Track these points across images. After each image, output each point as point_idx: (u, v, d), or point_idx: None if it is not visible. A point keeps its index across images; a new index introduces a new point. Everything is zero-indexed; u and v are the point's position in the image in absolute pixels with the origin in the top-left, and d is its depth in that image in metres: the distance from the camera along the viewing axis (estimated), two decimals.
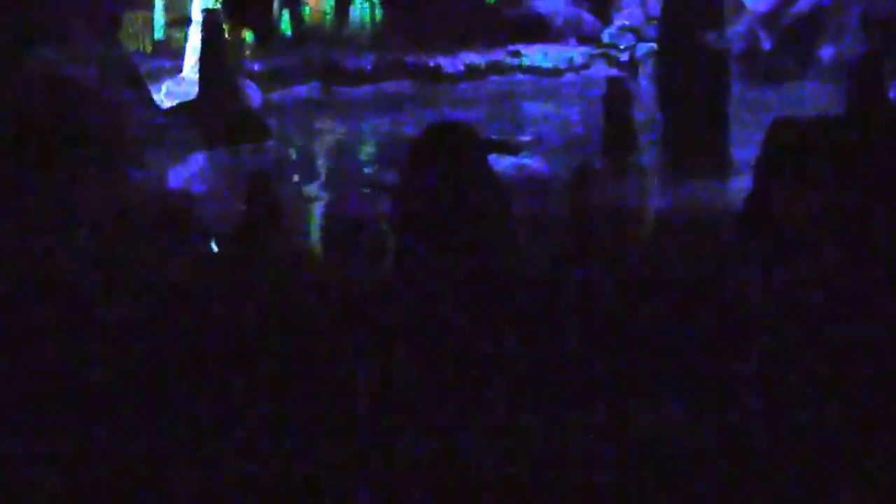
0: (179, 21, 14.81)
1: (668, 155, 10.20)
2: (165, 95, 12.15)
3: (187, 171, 10.33)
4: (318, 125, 13.24)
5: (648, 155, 10.20)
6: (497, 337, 3.48)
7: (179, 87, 12.39)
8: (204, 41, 11.34)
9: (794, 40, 13.30)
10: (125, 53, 11.20)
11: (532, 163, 10.04)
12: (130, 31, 14.09)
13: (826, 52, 13.21)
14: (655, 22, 13.54)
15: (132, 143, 9.58)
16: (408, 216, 5.23)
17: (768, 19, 13.61)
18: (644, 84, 13.93)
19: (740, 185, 7.32)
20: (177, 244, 7.09)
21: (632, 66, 15.35)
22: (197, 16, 12.32)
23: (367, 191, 9.87)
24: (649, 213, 8.94)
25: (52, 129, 8.07)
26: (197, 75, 11.60)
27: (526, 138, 11.50)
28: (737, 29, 13.50)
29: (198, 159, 10.72)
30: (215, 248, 7.30)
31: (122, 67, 10.52)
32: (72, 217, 6.70)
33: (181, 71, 12.97)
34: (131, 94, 10.27)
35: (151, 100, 10.98)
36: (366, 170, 11.11)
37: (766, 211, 5.60)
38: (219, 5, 12.03)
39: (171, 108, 11.32)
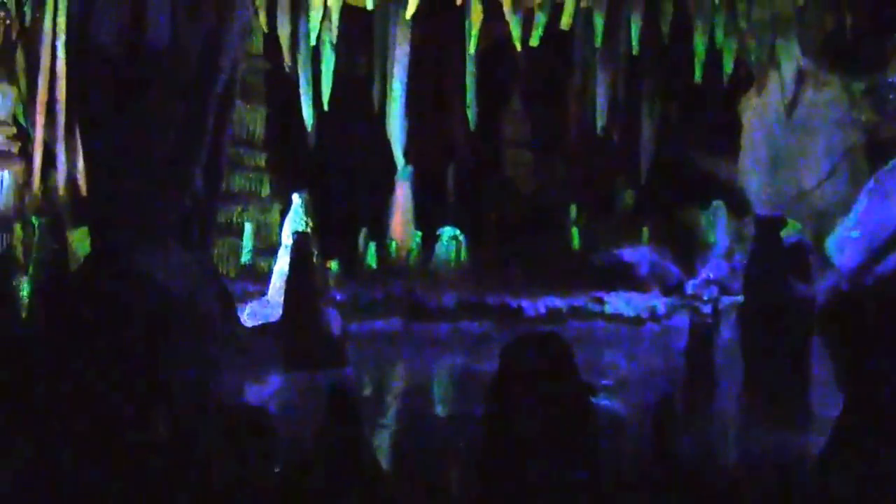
0: (266, 250, 15.10)
1: (749, 405, 10.00)
2: (249, 316, 12.24)
3: (264, 391, 10.28)
4: (396, 358, 13.21)
5: (728, 404, 10.03)
6: None
7: (263, 308, 12.49)
8: (292, 263, 11.45)
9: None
10: (214, 269, 11.33)
11: (610, 404, 9.89)
12: (217, 254, 14.37)
13: None
14: (740, 276, 13.51)
15: (214, 356, 9.59)
16: (495, 427, 5.15)
17: (854, 277, 13.54)
18: (726, 336, 13.78)
19: (820, 440, 7.18)
20: (250, 459, 6.96)
21: (715, 317, 15.24)
22: (287, 239, 12.48)
23: (442, 420, 9.87)
24: (728, 460, 8.71)
25: (139, 333, 8.08)
26: (282, 298, 11.67)
27: (605, 382, 11.37)
28: (822, 285, 13.41)
29: (275, 380, 10.70)
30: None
31: (211, 282, 10.65)
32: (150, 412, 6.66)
33: (265, 294, 13.09)
34: (218, 308, 10.36)
35: (237, 316, 11.06)
36: (441, 403, 11.03)
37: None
38: (309, 229, 12.17)
39: (254, 328, 11.38)
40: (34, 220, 10.50)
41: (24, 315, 9.87)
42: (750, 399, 10.14)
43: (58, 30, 12.86)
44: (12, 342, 7.93)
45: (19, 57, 13.56)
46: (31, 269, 10.47)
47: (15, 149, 13.22)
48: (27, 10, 13.23)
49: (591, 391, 9.23)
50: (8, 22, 13.22)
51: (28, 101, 13.45)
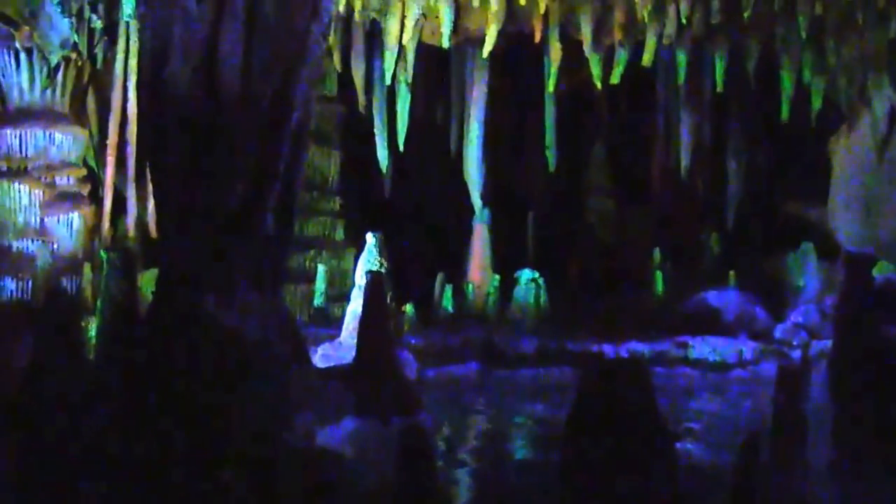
0: (339, 296, 14.90)
1: (840, 453, 9.56)
2: (321, 358, 12.01)
3: (337, 434, 9.99)
4: (473, 405, 12.91)
5: (818, 451, 9.59)
6: None
7: (336, 351, 12.27)
8: (365, 303, 11.17)
9: None
10: (287, 311, 11.09)
11: (694, 448, 9.57)
12: (290, 300, 14.21)
13: None
14: (830, 320, 13.11)
15: (285, 398, 9.34)
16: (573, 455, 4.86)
17: None
18: (817, 382, 13.30)
19: None
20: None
21: (805, 363, 14.75)
22: (360, 279, 12.26)
23: (521, 468, 9.62)
24: None
25: (207, 372, 7.88)
26: (354, 340, 11.41)
27: (689, 426, 11.03)
28: None
29: (348, 423, 10.40)
30: None
31: (283, 324, 10.40)
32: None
33: (338, 337, 12.87)
34: (289, 349, 10.10)
35: (309, 358, 10.80)
36: (520, 450, 10.75)
37: None
38: (383, 270, 11.93)
39: (326, 370, 11.12)
40: (103, 253, 10.35)
41: (91, 356, 9.70)
42: (841, 447, 9.73)
43: (129, 72, 12.83)
44: (81, 384, 7.80)
45: (90, 99, 13.57)
46: (99, 304, 10.33)
47: (85, 191, 13.19)
48: (99, 51, 13.23)
49: (669, 432, 8.86)
50: (79, 64, 13.23)
51: (99, 144, 13.44)
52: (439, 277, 16.42)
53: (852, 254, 10.83)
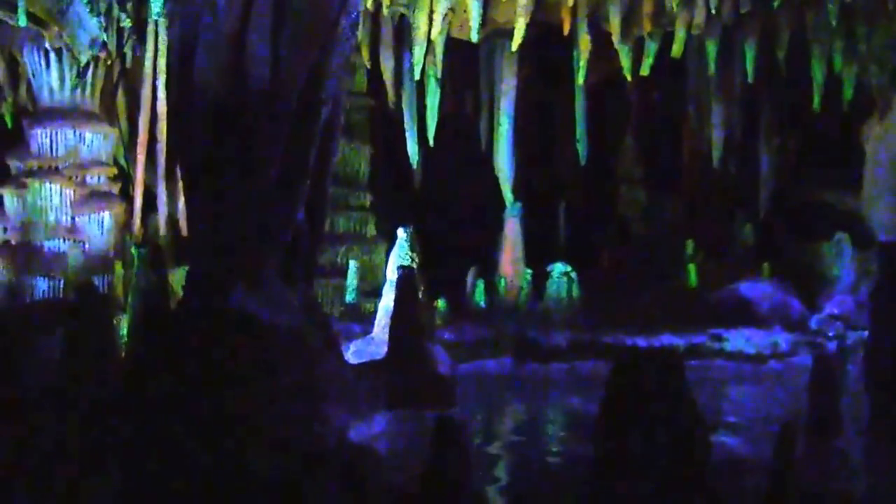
0: (371, 292, 14.86)
1: (878, 444, 9.48)
2: (353, 354, 11.96)
3: (369, 429, 9.96)
4: (506, 399, 12.87)
5: (854, 443, 9.52)
6: None
7: (368, 346, 12.21)
8: (397, 299, 11.16)
9: None
10: (318, 304, 11.07)
11: (729, 440, 9.50)
12: (322, 296, 14.18)
13: None
14: (866, 310, 12.98)
15: (318, 393, 9.31)
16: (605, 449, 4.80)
17: None
18: (853, 372, 13.19)
19: None
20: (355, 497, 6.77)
21: (841, 354, 14.64)
22: (391, 274, 12.22)
23: (555, 462, 9.55)
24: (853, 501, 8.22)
25: (238, 367, 7.86)
26: (386, 335, 11.38)
27: (725, 418, 10.96)
28: None
29: (381, 418, 10.38)
30: None
31: (315, 318, 10.38)
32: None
33: (370, 333, 12.83)
34: (321, 344, 10.08)
35: (341, 353, 10.78)
36: (554, 444, 10.71)
37: None
38: (415, 264, 11.88)
39: (359, 365, 11.08)
40: (133, 249, 10.40)
41: (122, 354, 9.73)
42: (877, 437, 9.64)
43: (158, 70, 12.85)
44: (112, 381, 7.80)
45: (120, 98, 13.62)
46: (129, 298, 10.37)
47: (115, 190, 13.25)
48: (128, 50, 13.25)
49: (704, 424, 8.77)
50: (109, 63, 13.27)
51: (129, 142, 13.49)
52: (471, 272, 16.34)
53: (887, 243, 10.73)
